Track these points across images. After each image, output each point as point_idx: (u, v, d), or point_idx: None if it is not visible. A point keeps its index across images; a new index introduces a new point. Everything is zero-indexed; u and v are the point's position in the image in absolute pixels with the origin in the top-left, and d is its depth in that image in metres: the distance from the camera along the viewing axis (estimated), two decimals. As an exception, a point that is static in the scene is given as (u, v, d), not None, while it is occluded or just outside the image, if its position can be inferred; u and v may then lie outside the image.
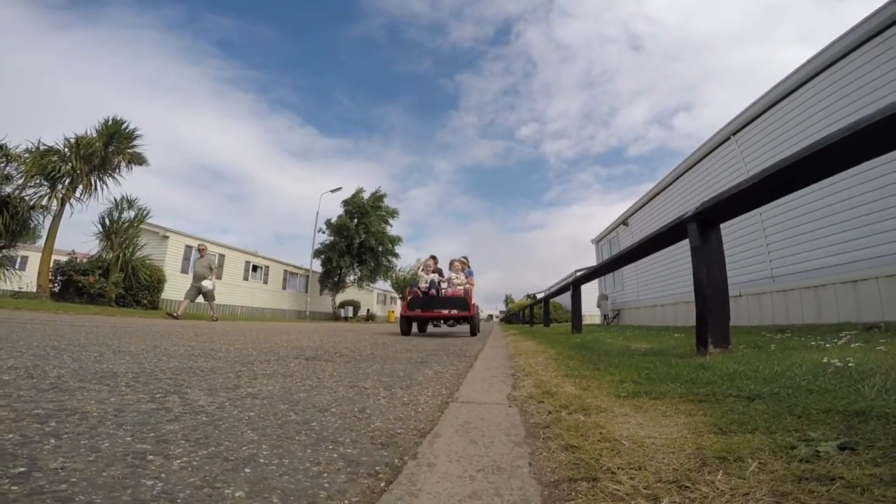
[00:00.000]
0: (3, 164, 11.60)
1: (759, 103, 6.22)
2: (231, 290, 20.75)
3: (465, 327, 8.18)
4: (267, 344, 3.88)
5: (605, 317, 13.63)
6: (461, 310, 6.63)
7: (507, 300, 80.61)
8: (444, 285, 7.23)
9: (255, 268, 22.94)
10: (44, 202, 11.83)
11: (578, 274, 6.50)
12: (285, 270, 25.66)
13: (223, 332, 5.71)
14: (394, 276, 29.27)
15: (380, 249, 25.36)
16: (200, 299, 10.87)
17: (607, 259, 5.17)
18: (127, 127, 13.06)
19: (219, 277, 10.87)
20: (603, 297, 13.53)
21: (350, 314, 27.00)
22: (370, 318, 29.36)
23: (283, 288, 25.42)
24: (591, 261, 14.95)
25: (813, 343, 2.64)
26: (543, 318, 8.82)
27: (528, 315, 14.31)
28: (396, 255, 26.90)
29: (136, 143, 13.37)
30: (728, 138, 6.94)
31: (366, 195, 25.80)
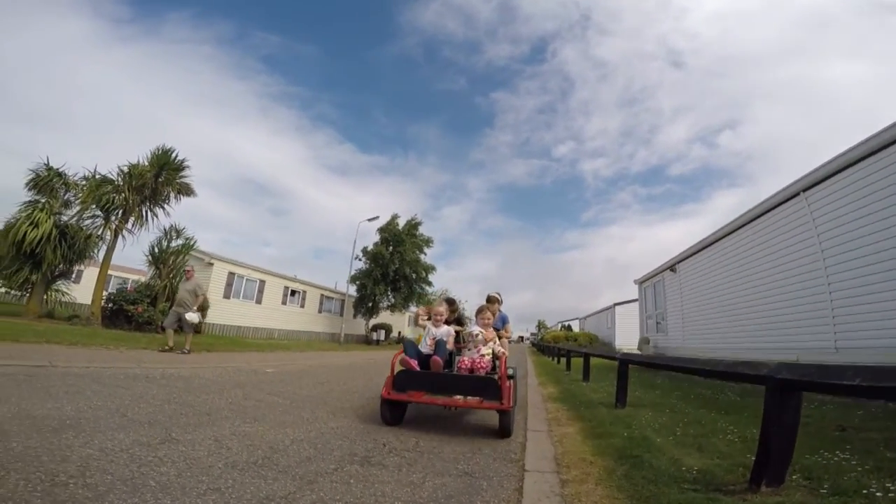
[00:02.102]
0: (63, 192, 12.50)
1: (838, 161, 5.55)
2: (270, 313, 21.28)
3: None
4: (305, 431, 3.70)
5: None
6: (489, 398, 3.83)
7: (540, 325, 78.91)
8: (466, 353, 4.51)
9: (293, 292, 23.45)
10: (99, 232, 12.58)
11: (624, 352, 5.86)
12: (321, 294, 26.10)
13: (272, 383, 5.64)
14: (426, 300, 29.38)
15: (413, 277, 25.61)
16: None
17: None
18: (176, 157, 13.66)
19: (203, 308, 9.89)
20: (644, 341, 12.67)
21: (382, 337, 27.15)
22: (401, 341, 29.36)
23: (319, 311, 25.82)
24: (630, 289, 14.26)
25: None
26: (584, 372, 8.23)
27: (563, 354, 13.59)
28: (430, 284, 27.22)
29: (184, 173, 14.00)
30: (797, 194, 6.28)
31: (401, 222, 26.22)
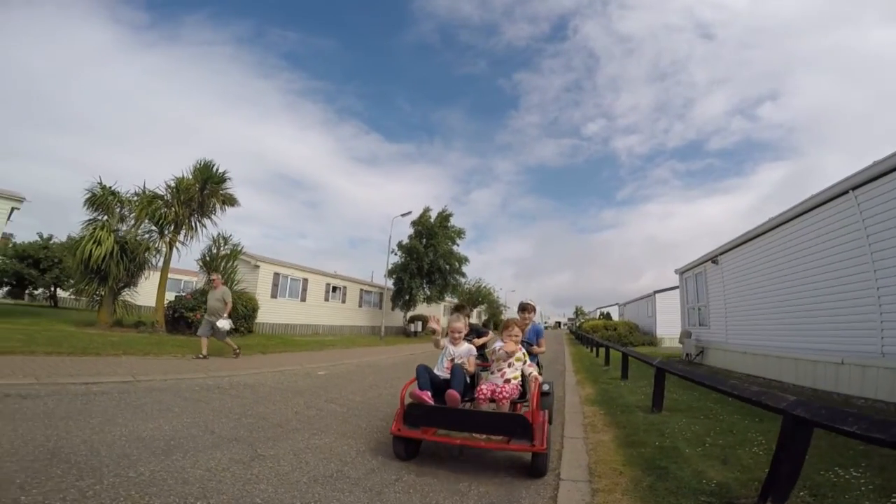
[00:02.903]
0: (118, 208, 13.57)
1: (888, 162, 5.39)
2: (314, 310, 22.38)
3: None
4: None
5: (687, 355, 12.67)
6: (519, 437, 3.22)
7: (578, 311, 78.32)
8: (490, 378, 3.92)
9: (334, 289, 24.46)
10: (155, 245, 13.66)
11: (661, 360, 5.90)
12: (361, 289, 27.08)
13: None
14: (460, 290, 30.36)
15: (447, 269, 26.33)
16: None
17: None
18: (217, 169, 14.44)
19: (231, 315, 9.70)
20: (686, 334, 12.56)
21: (419, 328, 27.93)
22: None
23: (360, 306, 26.82)
24: (669, 277, 14.11)
25: None
26: (622, 369, 8.39)
27: (602, 345, 13.72)
28: (464, 275, 27.91)
29: (226, 185, 14.84)
30: (845, 192, 6.11)
31: (433, 214, 26.81)
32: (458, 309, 4.83)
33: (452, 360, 4.00)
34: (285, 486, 2.77)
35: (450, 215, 27.51)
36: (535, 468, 3.24)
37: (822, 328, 6.63)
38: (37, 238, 23.97)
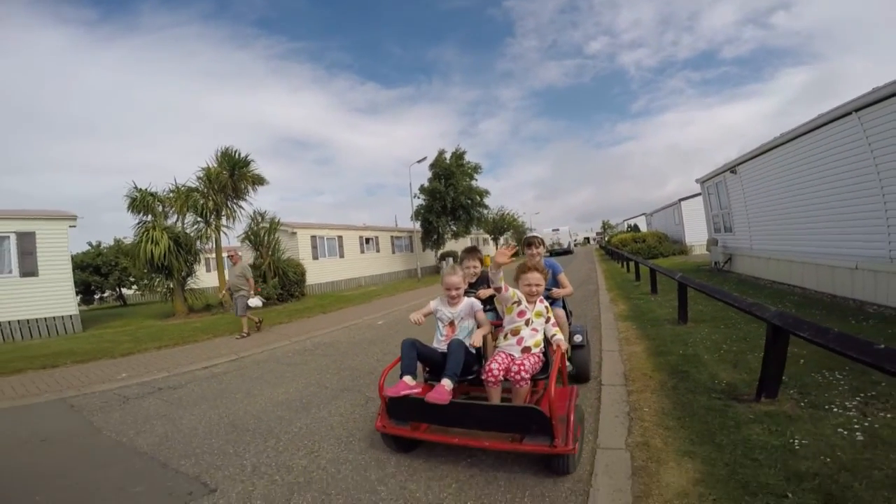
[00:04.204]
0: (160, 207, 14.51)
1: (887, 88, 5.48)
2: (353, 264, 23.83)
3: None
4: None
5: (715, 263, 13.08)
6: (535, 435, 2.49)
7: (605, 226, 78.02)
8: (502, 345, 2.96)
9: (367, 240, 25.69)
10: (206, 234, 14.78)
11: (682, 275, 6.46)
12: (391, 237, 28.30)
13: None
14: (485, 221, 31.91)
15: (469, 203, 27.52)
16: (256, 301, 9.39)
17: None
18: (238, 154, 15.22)
19: (257, 291, 9.93)
20: (712, 242, 12.91)
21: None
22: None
23: (393, 252, 28.18)
24: (691, 184, 14.13)
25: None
26: (651, 284, 9.16)
27: (631, 262, 14.38)
28: (486, 207, 29.38)
29: (251, 167, 15.55)
30: (849, 113, 6.26)
31: (447, 155, 27.97)
32: (468, 252, 3.92)
33: (454, 324, 3.15)
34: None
35: (464, 153, 28.33)
36: (555, 465, 2.52)
37: (837, 235, 7.00)
38: (87, 247, 25.91)
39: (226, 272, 12.96)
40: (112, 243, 25.50)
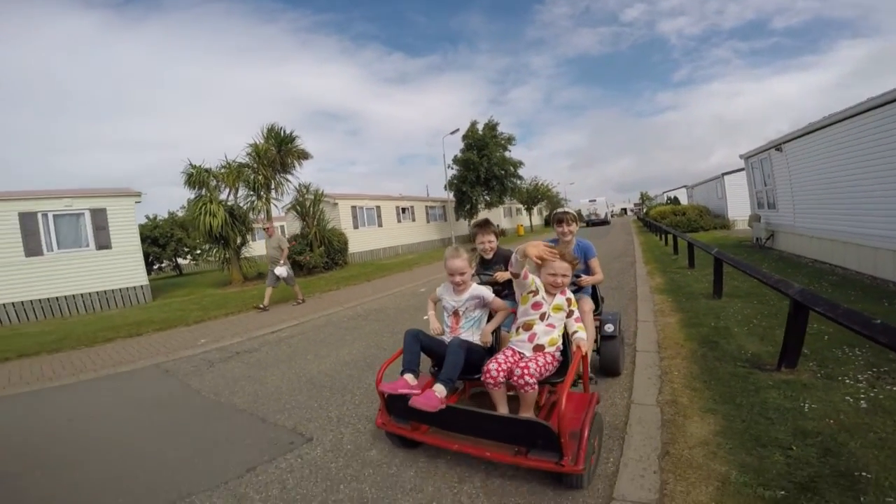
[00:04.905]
0: (214, 183, 15.44)
1: None
2: (391, 233, 24.71)
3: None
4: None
5: (757, 239, 12.79)
6: (540, 451, 2.22)
7: (644, 197, 75.67)
8: (513, 341, 2.63)
9: (403, 210, 26.41)
10: (258, 206, 15.73)
11: (718, 250, 6.55)
12: (426, 206, 28.92)
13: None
14: (519, 191, 32.07)
15: (502, 174, 27.95)
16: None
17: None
18: (283, 130, 16.01)
19: (289, 258, 10.28)
20: (755, 218, 12.57)
21: (485, 233, 29.86)
22: (501, 233, 32.11)
23: (427, 221, 28.87)
24: (745, 147, 13.80)
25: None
26: (689, 258, 9.30)
27: (669, 235, 14.32)
28: (520, 178, 29.83)
29: (296, 142, 16.29)
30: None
31: (480, 126, 28.17)
32: (480, 226, 3.49)
33: (457, 313, 2.92)
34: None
35: (496, 124, 28.39)
36: (566, 480, 2.28)
37: (879, 216, 6.88)
38: (145, 220, 27.76)
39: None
40: (166, 216, 27.38)
